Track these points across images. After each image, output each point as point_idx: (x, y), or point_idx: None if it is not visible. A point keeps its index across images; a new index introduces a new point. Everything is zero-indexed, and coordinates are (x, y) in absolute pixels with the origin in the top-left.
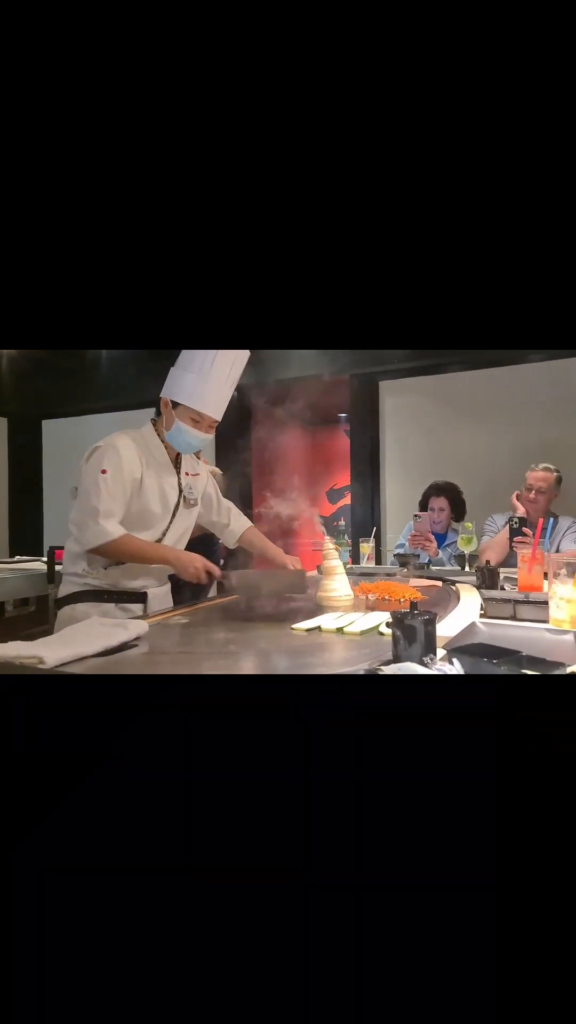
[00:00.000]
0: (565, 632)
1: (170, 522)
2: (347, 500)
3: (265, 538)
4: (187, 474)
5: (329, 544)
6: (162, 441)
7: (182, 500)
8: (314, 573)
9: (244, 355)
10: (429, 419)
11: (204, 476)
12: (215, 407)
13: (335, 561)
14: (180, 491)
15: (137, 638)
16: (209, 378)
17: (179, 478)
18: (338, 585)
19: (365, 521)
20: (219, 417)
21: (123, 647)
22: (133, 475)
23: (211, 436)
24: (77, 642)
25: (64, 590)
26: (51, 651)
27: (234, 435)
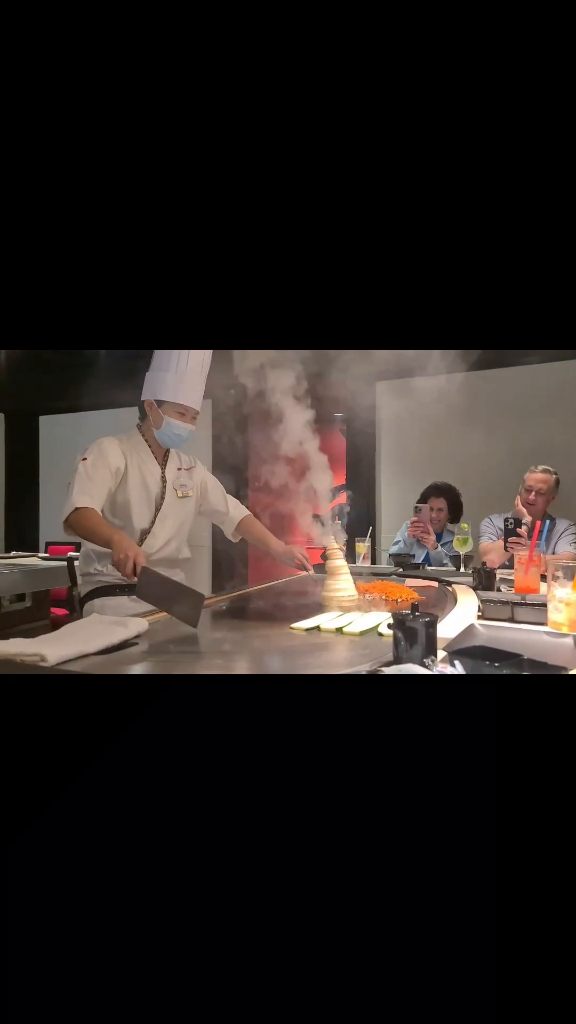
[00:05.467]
0: (564, 635)
1: (156, 512)
2: (342, 499)
3: (263, 527)
4: (179, 468)
5: (334, 543)
6: (146, 440)
7: (168, 492)
8: (311, 572)
9: (210, 353)
10: (425, 420)
11: (199, 469)
12: (195, 399)
13: (339, 561)
14: (164, 483)
15: (137, 636)
16: (185, 375)
17: (164, 472)
18: (343, 585)
19: (361, 520)
20: (199, 408)
21: (124, 645)
22: (115, 464)
23: (194, 427)
24: (78, 640)
25: (85, 588)
26: (52, 649)
27: (231, 435)
